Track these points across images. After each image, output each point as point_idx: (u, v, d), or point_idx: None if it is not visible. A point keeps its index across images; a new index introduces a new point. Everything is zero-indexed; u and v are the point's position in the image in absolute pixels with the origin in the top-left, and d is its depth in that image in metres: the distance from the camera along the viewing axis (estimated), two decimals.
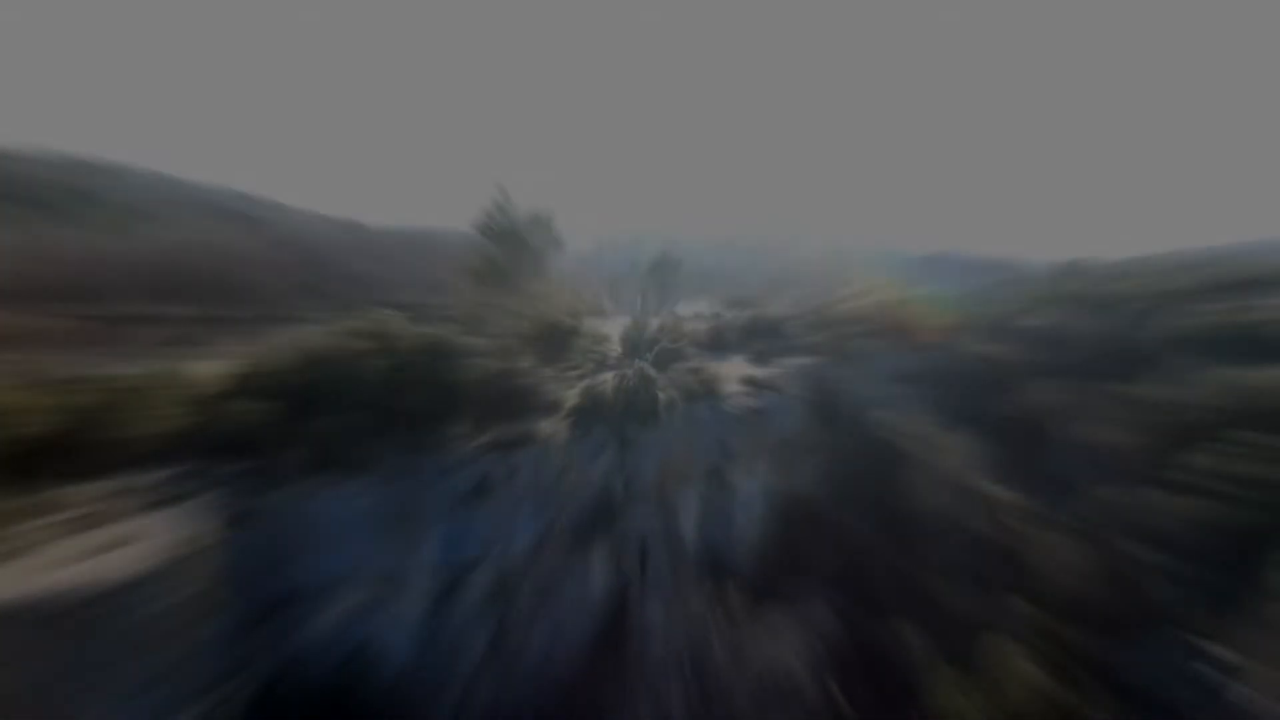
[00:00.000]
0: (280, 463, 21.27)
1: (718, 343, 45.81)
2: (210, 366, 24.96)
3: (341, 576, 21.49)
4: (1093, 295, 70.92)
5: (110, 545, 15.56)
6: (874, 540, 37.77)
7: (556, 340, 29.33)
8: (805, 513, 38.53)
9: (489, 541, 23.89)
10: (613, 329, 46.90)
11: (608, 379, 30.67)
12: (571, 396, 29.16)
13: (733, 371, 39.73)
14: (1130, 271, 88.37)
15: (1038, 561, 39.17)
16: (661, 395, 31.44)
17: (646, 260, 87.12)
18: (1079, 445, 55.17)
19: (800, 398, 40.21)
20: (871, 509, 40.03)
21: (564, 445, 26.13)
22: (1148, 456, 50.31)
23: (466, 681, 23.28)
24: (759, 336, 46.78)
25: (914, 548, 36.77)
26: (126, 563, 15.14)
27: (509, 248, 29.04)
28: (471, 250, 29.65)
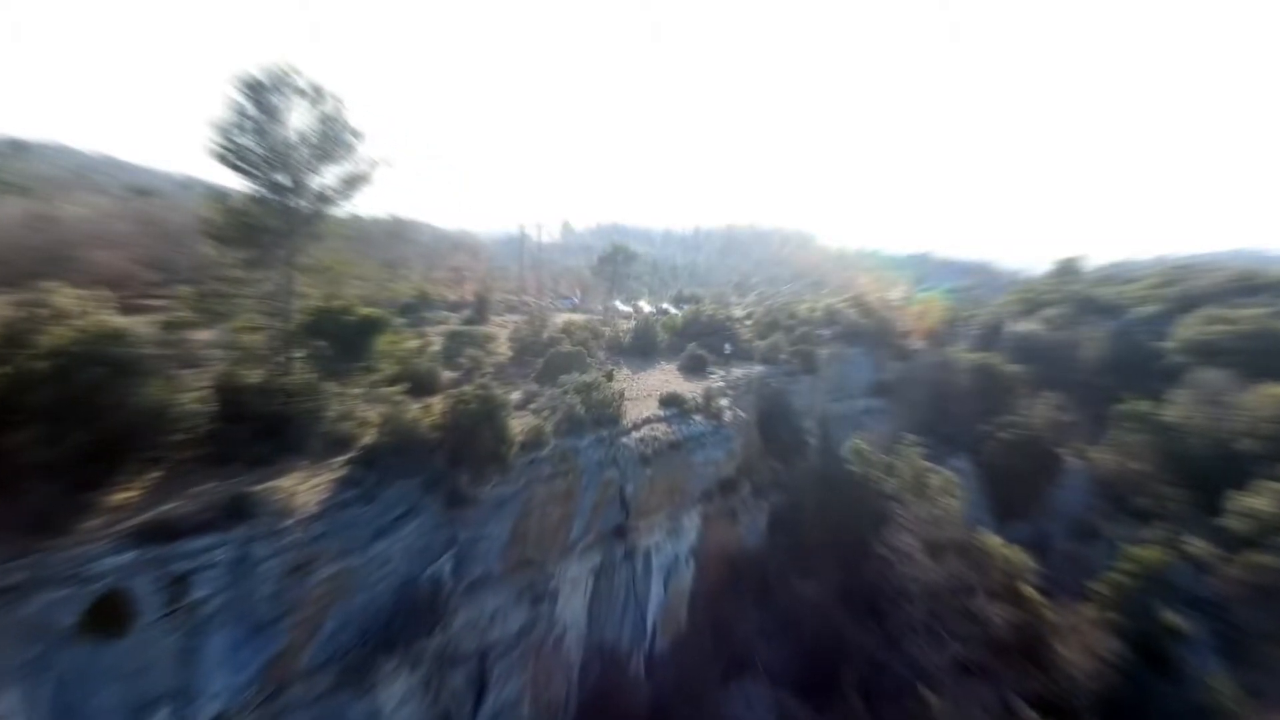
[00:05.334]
0: None
1: (645, 346, 35.22)
2: None
3: None
4: (1096, 298, 62.06)
5: None
6: (844, 623, 27.46)
7: (351, 339, 18.40)
8: (748, 583, 28.04)
9: (140, 708, 12.88)
10: (504, 328, 36.31)
11: (434, 401, 19.85)
12: (370, 426, 18.31)
13: (655, 385, 29.20)
14: (1135, 272, 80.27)
15: (1061, 648, 29.35)
16: (524, 423, 20.73)
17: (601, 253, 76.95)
18: (1096, 479, 45.68)
19: (744, 421, 29.73)
20: (840, 576, 29.78)
21: (327, 511, 15.23)
22: (1186, 495, 40.94)
23: None
24: (701, 338, 36.30)
25: (899, 635, 26.58)
26: None
27: (273, 189, 18.18)
28: (220, 199, 18.58)
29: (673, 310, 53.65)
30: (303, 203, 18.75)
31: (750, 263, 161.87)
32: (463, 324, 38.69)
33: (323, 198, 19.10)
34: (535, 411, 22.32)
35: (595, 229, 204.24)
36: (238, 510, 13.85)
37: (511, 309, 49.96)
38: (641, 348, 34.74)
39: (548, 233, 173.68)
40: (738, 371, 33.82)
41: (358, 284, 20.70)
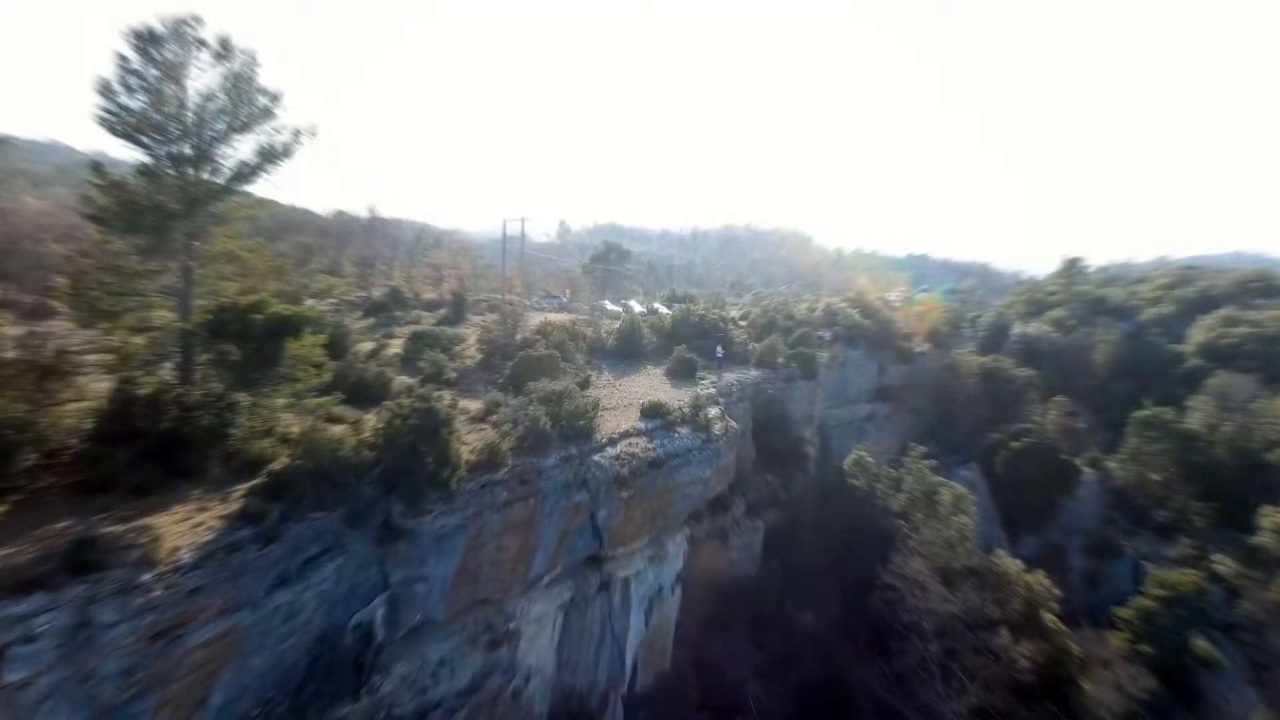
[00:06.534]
0: None
1: (630, 349, 32.25)
2: None
3: None
4: (1106, 298, 59.31)
5: None
6: (848, 661, 24.50)
7: (262, 341, 15.35)
8: (741, 614, 25.02)
9: None
10: (474, 328, 33.42)
11: (367, 416, 16.87)
12: (283, 447, 15.30)
13: (638, 392, 26.25)
14: (1137, 274, 77.69)
15: (1088, 687, 26.45)
16: (479, 439, 17.79)
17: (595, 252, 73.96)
18: (1112, 490, 42.81)
19: (737, 432, 26.75)
20: (843, 606, 26.82)
21: (211, 556, 12.20)
22: (1211, 509, 37.93)
23: None
24: (692, 340, 33.37)
25: (910, 675, 23.60)
26: None
27: (170, 161, 15.24)
28: (99, 173, 15.53)
29: (663, 310, 50.62)
30: (205, 177, 15.75)
31: (747, 263, 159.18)
32: (436, 324, 35.77)
33: (233, 172, 16.13)
34: (496, 425, 19.32)
35: (592, 228, 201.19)
36: (78, 562, 10.79)
37: (494, 309, 46.92)
38: (626, 351, 31.74)
39: (544, 232, 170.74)
40: (731, 376, 30.87)
41: (322, 280, 17.49)
